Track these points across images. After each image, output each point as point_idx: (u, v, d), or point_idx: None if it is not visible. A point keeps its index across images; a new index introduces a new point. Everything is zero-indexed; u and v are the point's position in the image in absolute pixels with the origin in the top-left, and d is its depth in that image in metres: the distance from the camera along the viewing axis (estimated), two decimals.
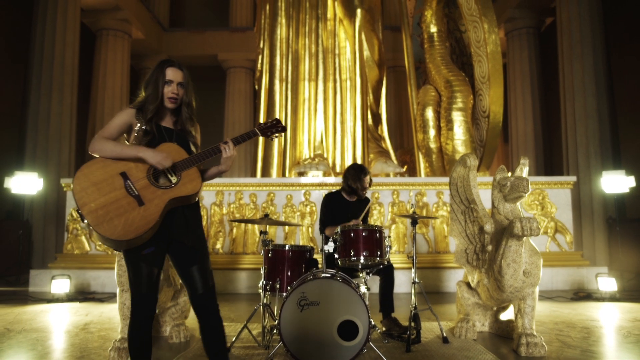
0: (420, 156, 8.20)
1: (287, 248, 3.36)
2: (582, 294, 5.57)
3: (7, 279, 7.23)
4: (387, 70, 9.94)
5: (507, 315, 3.74)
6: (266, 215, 3.50)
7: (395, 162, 8.35)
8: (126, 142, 2.17)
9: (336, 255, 3.30)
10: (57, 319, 4.46)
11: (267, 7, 8.61)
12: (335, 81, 8.26)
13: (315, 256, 3.54)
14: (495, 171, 3.48)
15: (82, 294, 5.89)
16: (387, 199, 6.63)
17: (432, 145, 7.93)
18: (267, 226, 4.29)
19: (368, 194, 4.12)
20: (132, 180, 2.00)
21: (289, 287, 3.20)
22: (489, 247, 3.32)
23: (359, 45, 8.31)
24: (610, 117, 8.57)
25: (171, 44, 13.56)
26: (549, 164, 10.69)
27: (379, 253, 3.26)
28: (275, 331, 3.17)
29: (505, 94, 7.55)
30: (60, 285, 5.53)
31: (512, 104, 11.04)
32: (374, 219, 6.52)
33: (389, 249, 3.38)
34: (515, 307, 3.32)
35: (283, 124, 2.35)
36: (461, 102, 7.53)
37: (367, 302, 2.90)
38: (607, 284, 5.41)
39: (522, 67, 10.89)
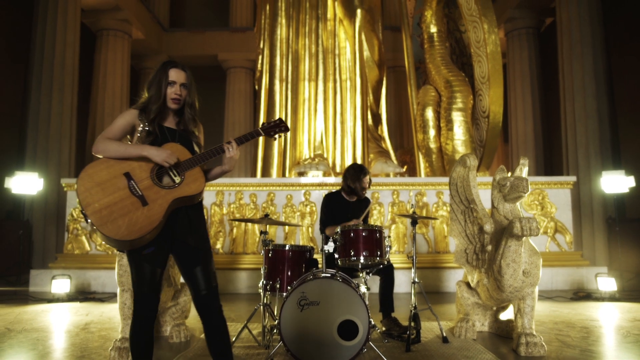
0: (420, 156, 8.20)
1: (287, 248, 3.37)
2: (582, 294, 5.58)
3: (8, 279, 7.24)
4: (387, 71, 9.94)
5: (507, 315, 3.75)
6: (266, 215, 3.50)
7: (395, 162, 8.36)
8: (129, 142, 2.18)
9: (336, 255, 3.30)
10: (57, 319, 4.47)
11: (267, 7, 8.62)
12: (335, 81, 8.27)
13: (315, 256, 3.55)
14: (495, 171, 3.49)
15: (82, 294, 5.90)
16: (387, 199, 6.64)
17: (432, 145, 7.94)
18: (267, 226, 4.30)
19: (368, 194, 4.12)
20: (135, 181, 2.00)
21: (289, 287, 3.21)
22: (489, 247, 3.33)
23: (359, 45, 8.32)
24: (610, 117, 8.57)
25: (171, 44, 13.56)
26: (549, 164, 10.70)
27: (378, 253, 3.27)
28: (275, 331, 3.18)
29: (505, 94, 7.56)
30: (61, 285, 5.53)
31: (512, 104, 11.04)
32: (374, 219, 6.53)
33: (388, 249, 3.39)
34: (514, 307, 3.32)
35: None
36: (461, 102, 7.53)
37: (367, 302, 2.91)
38: (607, 283, 5.42)
39: (522, 67, 10.90)
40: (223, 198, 6.67)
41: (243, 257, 6.50)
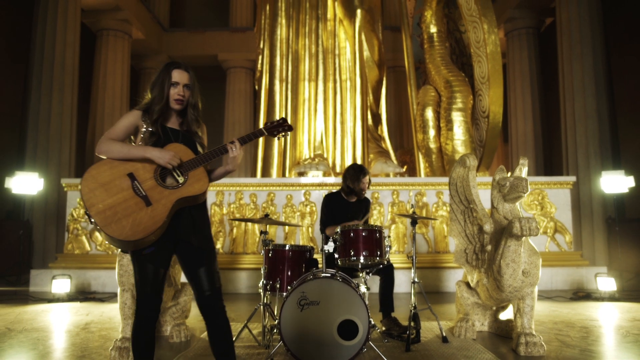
0: (420, 156, 8.21)
1: (287, 248, 3.37)
2: (582, 294, 5.59)
3: (8, 279, 7.24)
4: (387, 71, 9.95)
5: (507, 314, 3.76)
6: (266, 215, 3.51)
7: (395, 162, 8.37)
8: (132, 144, 2.18)
9: (336, 255, 3.31)
10: (57, 319, 4.48)
11: (267, 7, 8.62)
12: (335, 81, 8.28)
13: (315, 256, 3.56)
14: (495, 171, 3.50)
15: (82, 294, 5.90)
16: (387, 199, 6.65)
17: (432, 145, 7.94)
18: (267, 226, 4.31)
19: (368, 194, 4.13)
20: (139, 181, 2.01)
21: (289, 287, 3.21)
22: (488, 247, 3.33)
23: (359, 45, 8.33)
24: (610, 117, 8.58)
25: (171, 44, 13.57)
26: (549, 164, 10.70)
27: (378, 253, 3.28)
28: (275, 331, 3.19)
29: (505, 94, 7.56)
30: (61, 285, 5.54)
31: (512, 104, 11.05)
32: (374, 219, 6.54)
33: (388, 248, 3.39)
34: (514, 306, 3.33)
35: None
36: (461, 102, 7.54)
37: (367, 302, 2.91)
38: (606, 283, 5.43)
39: (522, 67, 10.90)
40: (223, 198, 6.67)
41: (243, 257, 6.51)
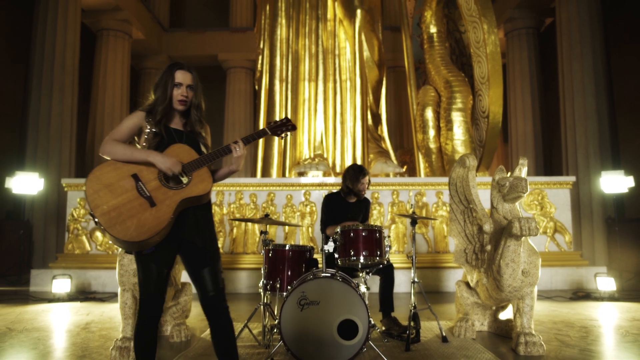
0: (420, 156, 8.22)
1: (287, 248, 3.38)
2: (581, 294, 5.59)
3: (8, 279, 7.25)
4: (387, 71, 9.96)
5: (506, 314, 3.76)
6: (266, 215, 3.52)
7: (395, 162, 8.37)
8: (137, 144, 2.18)
9: (336, 255, 3.32)
10: (58, 319, 4.48)
11: (267, 7, 8.63)
12: (335, 81, 8.28)
13: (315, 256, 3.56)
14: (495, 171, 3.51)
15: (83, 294, 5.91)
16: (387, 199, 6.65)
17: (432, 145, 7.95)
18: (267, 226, 4.31)
19: (368, 194, 4.13)
20: (143, 182, 2.01)
21: (289, 287, 3.22)
22: (488, 247, 3.34)
23: (358, 45, 8.33)
24: (610, 117, 8.58)
25: (171, 44, 13.57)
26: (549, 164, 10.71)
27: (378, 253, 3.28)
28: (275, 330, 3.20)
29: (504, 94, 7.56)
30: (61, 285, 5.55)
31: (512, 104, 11.05)
32: (374, 219, 6.54)
33: (388, 248, 3.40)
34: (514, 306, 3.34)
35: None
36: (461, 102, 7.55)
37: (366, 302, 2.92)
38: (606, 283, 5.43)
39: (522, 67, 10.90)
40: (223, 198, 6.68)
41: (243, 257, 6.52)
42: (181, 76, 2.14)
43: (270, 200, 6.68)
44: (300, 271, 3.35)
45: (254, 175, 8.33)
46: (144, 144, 2.13)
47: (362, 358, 2.97)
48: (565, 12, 8.81)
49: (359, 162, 7.93)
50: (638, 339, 3.50)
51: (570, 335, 3.63)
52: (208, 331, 3.82)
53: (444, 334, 3.47)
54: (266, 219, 3.50)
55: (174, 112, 2.19)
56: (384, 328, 3.65)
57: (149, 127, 2.12)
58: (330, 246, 3.19)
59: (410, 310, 3.42)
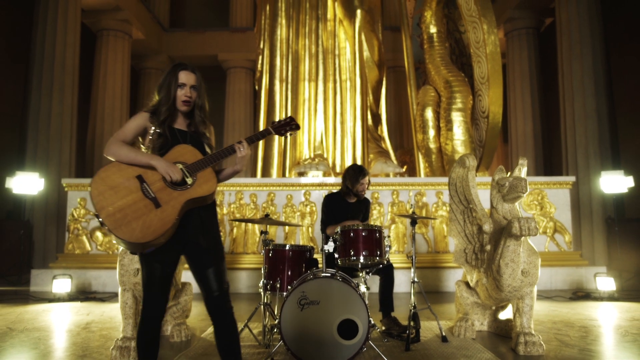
0: (420, 156, 8.22)
1: (287, 248, 3.38)
2: (581, 294, 5.60)
3: (9, 279, 7.26)
4: (387, 71, 9.96)
5: (506, 314, 3.77)
6: (267, 215, 3.52)
7: (395, 162, 8.38)
8: (141, 145, 2.19)
9: (336, 255, 3.32)
10: (58, 319, 4.49)
11: (267, 7, 8.63)
12: (335, 82, 8.29)
13: (315, 256, 3.57)
14: (494, 171, 3.51)
15: (83, 294, 5.92)
16: (387, 199, 6.66)
17: (432, 145, 7.96)
18: (268, 226, 4.32)
19: (368, 194, 4.14)
20: (148, 183, 2.01)
21: (289, 287, 3.23)
22: (488, 247, 3.35)
23: (358, 45, 8.34)
24: (610, 117, 8.59)
25: (171, 44, 13.58)
26: (549, 164, 10.72)
27: (378, 253, 3.29)
28: (275, 330, 3.20)
29: (504, 94, 7.56)
30: (62, 284, 5.55)
31: (512, 104, 11.06)
32: (374, 219, 6.55)
33: (388, 248, 3.41)
34: (513, 306, 3.34)
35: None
36: (460, 102, 7.55)
37: (366, 302, 2.93)
38: (606, 283, 5.44)
39: (522, 67, 10.91)
40: (223, 198, 6.69)
41: (243, 256, 6.52)
42: (185, 77, 2.15)
43: (271, 200, 6.69)
44: (301, 271, 3.35)
45: (254, 175, 8.34)
46: (149, 144, 2.14)
47: (362, 358, 2.97)
48: (565, 12, 8.81)
49: (359, 162, 7.94)
50: (637, 338, 3.50)
51: (569, 335, 3.64)
52: (208, 331, 3.83)
53: (443, 334, 3.47)
54: (266, 219, 3.51)
55: (178, 112, 2.19)
56: (383, 328, 3.65)
57: (153, 127, 2.13)
58: (330, 246, 3.19)
59: (410, 310, 3.42)
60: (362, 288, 3.23)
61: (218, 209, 6.62)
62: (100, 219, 1.93)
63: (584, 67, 8.43)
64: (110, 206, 1.94)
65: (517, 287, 3.18)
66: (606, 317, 4.41)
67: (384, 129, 8.93)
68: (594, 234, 8.05)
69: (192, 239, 2.07)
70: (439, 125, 7.91)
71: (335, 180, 6.75)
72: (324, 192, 6.50)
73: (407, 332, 3.28)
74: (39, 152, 8.42)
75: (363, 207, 4.04)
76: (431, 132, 7.96)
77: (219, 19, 14.91)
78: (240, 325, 3.57)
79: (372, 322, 2.94)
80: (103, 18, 11.00)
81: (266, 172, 8.05)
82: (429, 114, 7.97)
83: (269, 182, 6.84)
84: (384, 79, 9.02)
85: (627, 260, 7.32)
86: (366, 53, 8.42)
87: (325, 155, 8.07)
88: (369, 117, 8.51)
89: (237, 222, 6.61)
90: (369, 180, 4.00)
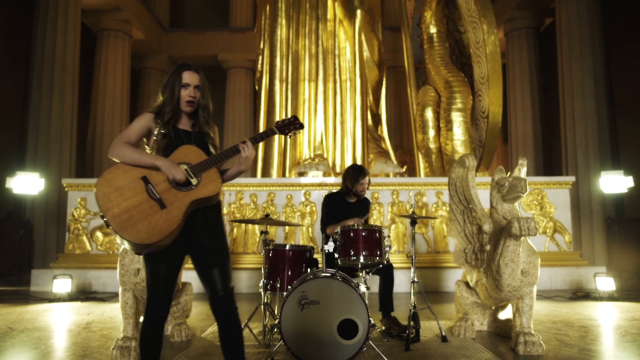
0: (420, 156, 8.23)
1: (287, 248, 3.39)
2: (581, 294, 5.61)
3: (9, 279, 7.26)
4: (386, 71, 9.97)
5: (506, 314, 3.78)
6: (267, 216, 3.53)
7: (394, 162, 8.39)
8: (146, 146, 2.19)
9: (336, 255, 3.33)
10: (59, 318, 4.50)
11: (267, 8, 8.64)
12: (335, 82, 8.30)
13: (315, 256, 3.58)
14: (494, 171, 3.52)
15: (83, 294, 5.93)
16: (387, 199, 6.66)
17: (432, 145, 7.96)
18: (268, 226, 4.32)
19: (368, 194, 4.14)
20: (153, 184, 2.01)
21: (289, 287, 3.23)
22: (488, 247, 3.35)
23: (358, 46, 8.35)
24: (609, 117, 8.59)
25: (171, 45, 13.58)
26: (548, 164, 10.72)
27: (378, 253, 3.30)
28: (275, 330, 3.21)
29: (504, 94, 7.56)
30: (62, 284, 5.56)
31: (512, 104, 11.07)
32: (374, 219, 6.55)
33: (388, 248, 3.41)
34: (513, 306, 3.35)
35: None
36: (460, 102, 7.56)
37: (366, 301, 2.93)
38: (606, 283, 5.44)
39: (522, 67, 10.91)
40: (223, 198, 6.69)
41: (243, 256, 6.53)
42: (188, 77, 2.15)
43: (271, 200, 6.70)
44: (301, 271, 3.36)
45: (254, 175, 8.35)
46: (153, 145, 2.14)
47: (362, 357, 2.98)
48: (565, 12, 8.82)
49: (359, 162, 7.94)
50: (637, 338, 3.51)
51: (569, 334, 3.64)
52: (208, 331, 3.84)
53: (443, 334, 3.48)
54: (267, 219, 3.51)
55: (182, 113, 2.19)
56: (383, 328, 3.66)
57: (157, 128, 2.13)
58: (330, 246, 3.20)
59: (410, 310, 3.43)
60: (362, 288, 3.24)
61: None
62: (106, 220, 1.93)
63: (583, 67, 8.44)
64: (116, 208, 1.95)
65: (517, 287, 3.19)
66: (606, 317, 4.42)
67: (384, 129, 8.94)
68: (594, 234, 8.06)
69: (196, 239, 2.07)
70: (439, 126, 7.91)
71: (335, 180, 6.76)
72: (324, 192, 6.50)
73: (407, 331, 3.29)
74: (39, 152, 8.43)
75: (363, 207, 4.05)
76: (431, 132, 7.97)
77: (219, 19, 14.92)
78: None
79: (372, 322, 2.94)
80: (103, 18, 11.00)
81: (266, 172, 8.06)
82: (429, 114, 7.98)
83: (269, 182, 6.84)
84: (384, 79, 9.03)
85: (626, 260, 7.32)
86: (366, 53, 8.42)
87: (325, 155, 8.08)
88: (369, 117, 8.52)
89: (237, 222, 6.61)
90: (369, 180, 4.01)
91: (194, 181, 2.06)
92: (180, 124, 2.20)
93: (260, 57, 8.68)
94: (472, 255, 3.59)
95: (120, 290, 3.30)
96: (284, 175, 7.94)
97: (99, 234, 6.69)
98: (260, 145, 8.21)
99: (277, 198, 6.72)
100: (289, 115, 8.82)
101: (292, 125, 2.33)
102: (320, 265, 3.33)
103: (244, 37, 13.33)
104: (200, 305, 4.95)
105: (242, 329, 2.14)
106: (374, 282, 5.13)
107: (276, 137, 7.81)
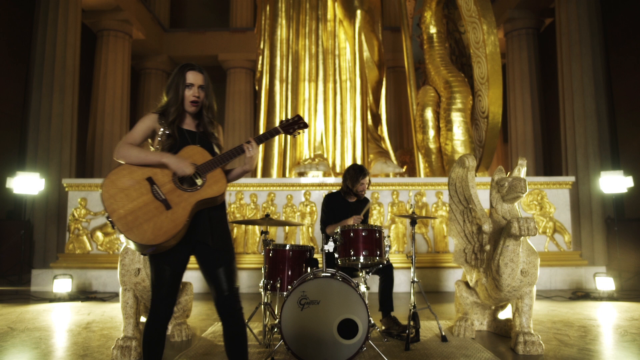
0: (420, 156, 8.24)
1: (287, 248, 3.40)
2: (580, 294, 5.61)
3: (9, 279, 7.27)
4: (386, 71, 9.98)
5: (505, 314, 3.78)
6: (267, 216, 3.54)
7: (394, 162, 8.39)
8: (150, 147, 2.19)
9: (336, 255, 3.34)
10: (59, 318, 4.50)
11: (268, 8, 8.65)
12: (335, 82, 8.30)
13: (315, 256, 3.58)
14: (494, 171, 3.53)
15: (83, 294, 5.93)
16: (387, 199, 6.67)
17: (432, 145, 7.97)
18: (268, 226, 4.32)
19: (367, 194, 4.15)
20: (158, 185, 2.02)
21: (289, 287, 3.24)
22: (487, 247, 3.36)
23: (358, 46, 8.35)
24: (609, 117, 8.60)
25: (172, 45, 13.59)
26: (548, 164, 10.73)
27: (378, 253, 3.30)
28: (276, 330, 3.22)
29: (504, 94, 7.56)
30: (62, 284, 5.57)
31: (512, 104, 11.07)
32: (374, 219, 6.56)
33: (388, 248, 3.42)
34: (513, 306, 3.36)
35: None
36: (460, 102, 7.56)
37: (366, 301, 2.94)
38: (605, 283, 5.45)
39: (522, 67, 10.92)
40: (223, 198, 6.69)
41: (243, 256, 6.54)
42: (192, 77, 2.15)
43: (271, 200, 6.70)
44: (301, 271, 3.36)
45: (254, 175, 8.35)
46: (158, 146, 2.14)
47: (362, 357, 2.98)
48: (564, 12, 8.83)
49: (358, 162, 7.95)
50: (636, 338, 3.51)
51: (569, 334, 3.65)
52: (209, 330, 3.84)
53: (443, 334, 3.49)
54: (268, 219, 3.52)
55: (186, 113, 2.20)
56: (383, 327, 3.67)
57: (162, 129, 2.13)
58: (330, 246, 3.21)
59: (410, 310, 3.44)
60: (362, 288, 3.25)
61: None
62: (111, 220, 1.94)
63: (583, 67, 8.44)
64: (122, 209, 1.95)
65: (517, 286, 3.20)
66: (605, 317, 4.42)
67: (384, 129, 8.94)
68: (594, 234, 8.06)
69: (201, 239, 2.07)
70: (439, 126, 7.92)
71: (335, 180, 6.76)
72: (324, 192, 6.51)
73: (407, 331, 3.30)
74: (40, 152, 8.44)
75: (363, 207, 4.05)
76: (431, 133, 7.97)
77: (219, 19, 14.93)
78: None
79: (372, 321, 2.95)
80: (103, 18, 11.01)
81: (266, 172, 8.07)
82: (429, 114, 7.98)
83: (269, 182, 6.85)
84: (384, 79, 9.03)
85: (626, 260, 7.33)
86: (366, 53, 8.43)
87: (325, 156, 8.09)
88: (369, 117, 8.52)
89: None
90: (369, 180, 4.02)
91: (199, 181, 2.07)
92: (185, 124, 2.20)
93: (260, 57, 8.69)
94: (472, 255, 3.59)
95: (120, 290, 3.31)
96: (284, 175, 7.95)
97: (99, 234, 6.70)
98: (260, 145, 8.20)
99: (277, 198, 6.72)
100: (289, 116, 8.84)
101: (296, 125, 2.34)
102: (320, 265, 3.34)
103: (244, 37, 13.34)
104: (200, 305, 4.95)
105: (246, 329, 2.13)
106: (374, 282, 5.14)
107: (276, 137, 7.80)
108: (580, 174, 8.23)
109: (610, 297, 5.37)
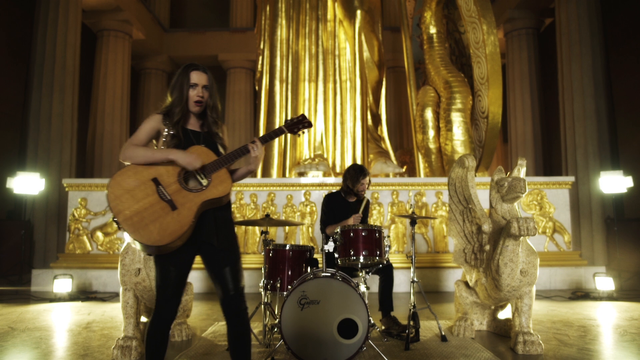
0: (420, 156, 8.24)
1: (287, 248, 3.40)
2: (580, 294, 5.62)
3: (10, 279, 7.28)
4: (386, 71, 9.99)
5: (505, 314, 3.79)
6: (267, 216, 3.54)
7: (394, 162, 8.40)
8: (155, 147, 2.19)
9: (336, 255, 3.34)
10: (59, 318, 4.51)
11: (268, 8, 8.65)
12: (335, 82, 8.31)
13: (315, 256, 3.59)
14: (494, 171, 3.53)
15: (84, 294, 5.94)
16: (387, 199, 6.68)
17: (432, 145, 7.97)
18: (268, 226, 4.33)
19: (367, 194, 4.15)
20: (163, 186, 2.02)
21: (289, 286, 3.24)
22: (487, 247, 3.37)
23: (358, 46, 8.36)
24: (609, 117, 8.60)
25: (172, 45, 13.60)
26: (548, 164, 10.73)
27: (378, 253, 3.31)
28: (276, 330, 3.22)
29: (504, 94, 7.57)
30: (63, 284, 5.57)
31: (512, 104, 11.08)
32: (374, 219, 6.57)
33: (388, 248, 3.43)
34: (512, 306, 3.36)
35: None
36: (460, 102, 7.57)
37: (366, 301, 2.95)
38: (605, 283, 5.45)
39: (522, 67, 10.92)
40: None
41: (243, 256, 6.54)
42: (196, 77, 2.15)
43: (271, 200, 6.71)
44: (301, 271, 3.37)
45: (254, 175, 8.36)
46: (162, 147, 2.14)
47: (361, 357, 2.99)
48: (564, 12, 8.83)
49: (358, 162, 7.95)
50: (636, 338, 3.52)
51: (568, 334, 3.65)
52: (209, 330, 3.85)
53: (443, 333, 3.49)
54: (267, 219, 3.52)
55: (190, 113, 2.20)
56: (383, 327, 3.67)
57: (166, 129, 2.13)
58: (330, 246, 3.21)
59: (410, 310, 3.44)
60: (362, 288, 3.25)
61: None
62: (118, 222, 1.94)
63: (583, 68, 8.45)
64: (127, 210, 1.95)
65: (516, 286, 3.20)
66: (605, 317, 4.43)
67: (384, 129, 8.95)
68: (593, 234, 8.07)
69: (206, 240, 2.07)
70: (439, 126, 7.93)
71: (335, 180, 6.77)
72: (324, 192, 6.51)
73: (407, 331, 3.30)
74: (40, 152, 8.44)
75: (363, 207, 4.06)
76: (431, 133, 7.98)
77: (219, 19, 14.93)
78: None
79: (372, 321, 2.95)
80: (103, 18, 11.02)
81: (266, 172, 8.07)
82: (429, 114, 7.99)
83: (269, 182, 6.85)
84: (384, 79, 9.04)
85: (626, 260, 7.34)
86: (366, 53, 8.43)
87: (325, 156, 8.09)
88: (369, 117, 8.53)
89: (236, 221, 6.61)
90: (369, 180, 4.02)
91: (204, 182, 2.07)
92: (189, 125, 2.20)
93: (260, 58, 8.69)
94: (472, 255, 3.60)
95: (121, 290, 3.31)
96: (284, 175, 7.95)
97: (99, 234, 6.70)
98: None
99: (277, 198, 6.73)
100: (289, 116, 8.83)
101: (300, 124, 2.34)
102: (320, 265, 3.34)
103: (244, 37, 13.34)
104: (201, 305, 4.96)
105: (250, 329, 2.14)
106: (374, 282, 5.14)
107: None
108: (580, 174, 8.23)
109: (610, 297, 5.37)
